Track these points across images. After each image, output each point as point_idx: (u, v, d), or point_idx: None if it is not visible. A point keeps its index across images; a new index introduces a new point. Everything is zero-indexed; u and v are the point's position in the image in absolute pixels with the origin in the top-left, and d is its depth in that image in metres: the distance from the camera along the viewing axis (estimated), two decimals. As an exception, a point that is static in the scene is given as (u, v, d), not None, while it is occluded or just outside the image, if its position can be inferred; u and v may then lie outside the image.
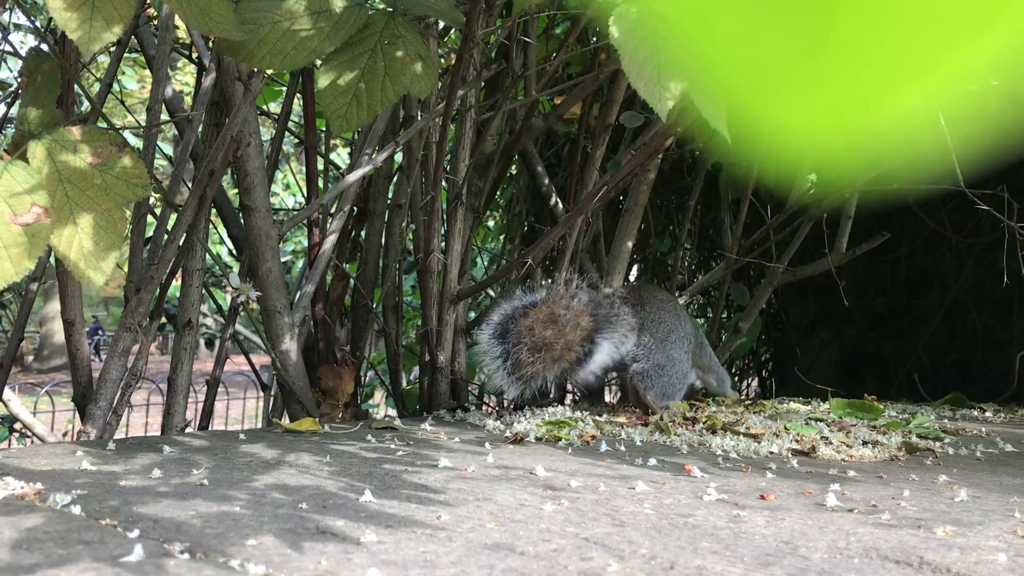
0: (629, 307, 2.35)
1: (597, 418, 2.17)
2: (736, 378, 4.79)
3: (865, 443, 1.97)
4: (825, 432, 2.09)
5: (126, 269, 2.01)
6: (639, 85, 1.42)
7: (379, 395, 5.07)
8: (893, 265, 4.25)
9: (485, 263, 4.85)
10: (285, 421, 2.13)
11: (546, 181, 2.99)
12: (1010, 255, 3.01)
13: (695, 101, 1.47)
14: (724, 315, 4.32)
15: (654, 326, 2.41)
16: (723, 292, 3.55)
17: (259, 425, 4.70)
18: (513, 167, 3.97)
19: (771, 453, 1.81)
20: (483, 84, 2.69)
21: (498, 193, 4.41)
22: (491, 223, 5.31)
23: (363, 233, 2.61)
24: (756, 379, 5.07)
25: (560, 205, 2.90)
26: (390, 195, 2.68)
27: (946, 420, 2.71)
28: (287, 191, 11.31)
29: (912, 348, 4.24)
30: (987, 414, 3.02)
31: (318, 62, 1.65)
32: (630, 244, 2.82)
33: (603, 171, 2.68)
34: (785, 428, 2.11)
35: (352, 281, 2.54)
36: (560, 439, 1.87)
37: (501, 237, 4.54)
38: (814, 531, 1.10)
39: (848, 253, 3.07)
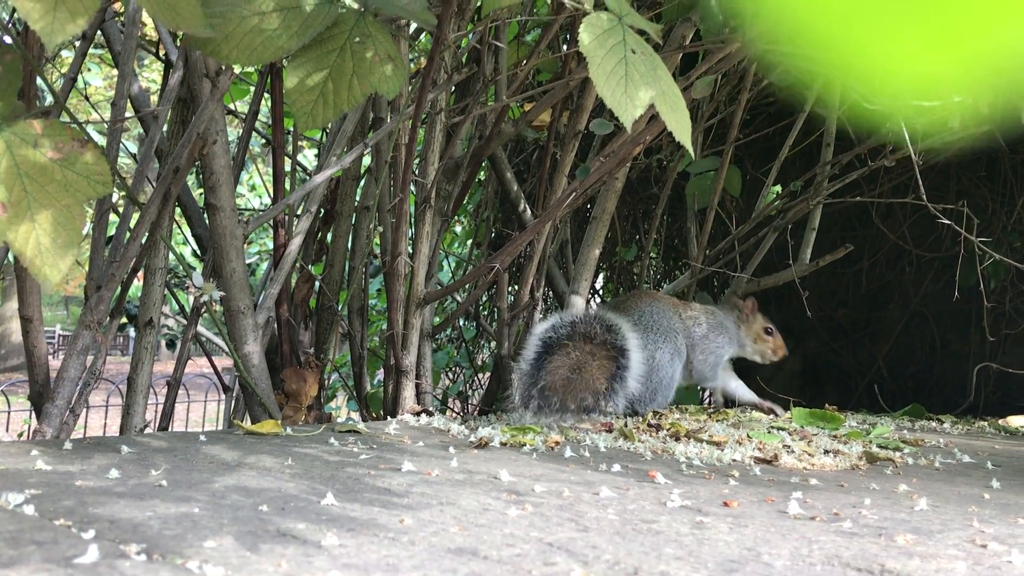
0: (629, 326, 2.44)
1: (563, 424, 2.17)
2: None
3: (826, 452, 1.99)
4: (787, 441, 2.11)
5: (87, 267, 1.97)
6: (606, 93, 1.42)
7: (341, 398, 5.04)
8: (855, 277, 4.30)
9: (452, 268, 4.84)
10: (247, 423, 2.10)
11: (515, 187, 2.99)
12: (970, 269, 3.06)
13: (660, 113, 1.48)
14: (689, 324, 4.33)
15: (643, 334, 2.59)
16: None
17: (221, 428, 4.65)
18: (482, 172, 3.97)
19: (734, 461, 1.82)
20: (454, 88, 2.68)
21: (466, 198, 4.41)
22: (459, 228, 5.30)
23: (330, 235, 2.59)
24: (719, 388, 5.10)
25: (528, 211, 2.90)
26: (358, 197, 2.67)
27: (905, 431, 2.75)
28: (253, 192, 11.21)
29: (872, 359, 4.29)
30: (945, 425, 3.06)
31: (286, 60, 1.63)
32: (597, 251, 2.82)
33: (572, 178, 2.68)
34: (748, 436, 2.12)
35: (317, 283, 2.52)
36: (525, 444, 1.87)
37: (468, 242, 4.53)
38: (777, 538, 1.10)
39: (812, 264, 3.10)
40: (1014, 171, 3.92)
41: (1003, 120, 2.93)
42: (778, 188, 3.43)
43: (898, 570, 0.96)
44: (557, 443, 1.88)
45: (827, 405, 3.14)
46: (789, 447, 2.00)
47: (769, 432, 2.30)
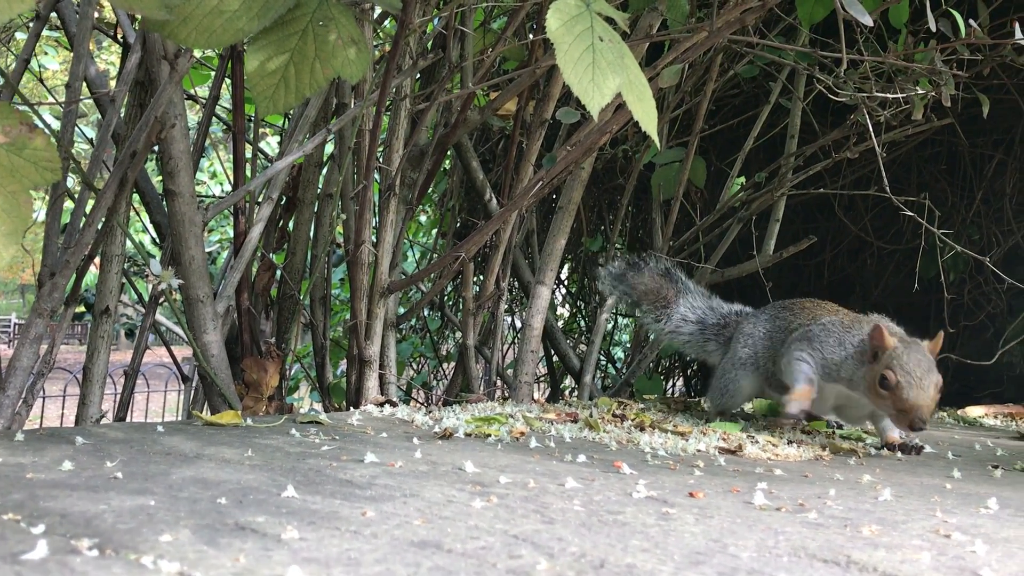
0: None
1: (527, 414, 2.15)
2: (663, 377, 4.84)
3: (790, 443, 2.00)
4: (751, 431, 2.12)
5: (40, 255, 1.92)
6: (573, 81, 1.41)
7: (304, 388, 4.99)
8: (817, 269, 4.34)
9: (417, 257, 4.81)
10: (206, 414, 2.07)
11: (480, 176, 2.97)
12: (930, 261, 3.09)
13: (627, 102, 1.47)
14: (653, 314, 4.34)
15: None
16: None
17: (180, 419, 4.58)
18: (448, 161, 3.94)
19: (699, 451, 1.82)
20: (419, 74, 2.65)
21: (432, 187, 4.38)
22: (424, 217, 5.27)
23: (292, 223, 2.55)
24: (682, 378, 5.13)
25: (494, 200, 2.88)
26: (321, 184, 2.63)
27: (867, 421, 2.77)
28: (214, 179, 11.06)
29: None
30: (905, 415, 3.09)
31: (247, 43, 1.59)
32: (563, 242, 2.81)
33: (538, 167, 2.67)
34: (711, 427, 2.12)
35: (279, 271, 2.48)
36: (490, 435, 1.85)
37: (434, 231, 4.50)
38: (743, 529, 1.09)
39: (775, 256, 3.12)
40: (973, 165, 3.97)
41: (965, 113, 2.96)
42: (742, 179, 3.44)
43: (864, 561, 0.96)
44: (522, 434, 1.87)
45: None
46: (753, 437, 2.00)
47: (732, 422, 2.31)
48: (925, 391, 1.88)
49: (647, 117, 1.44)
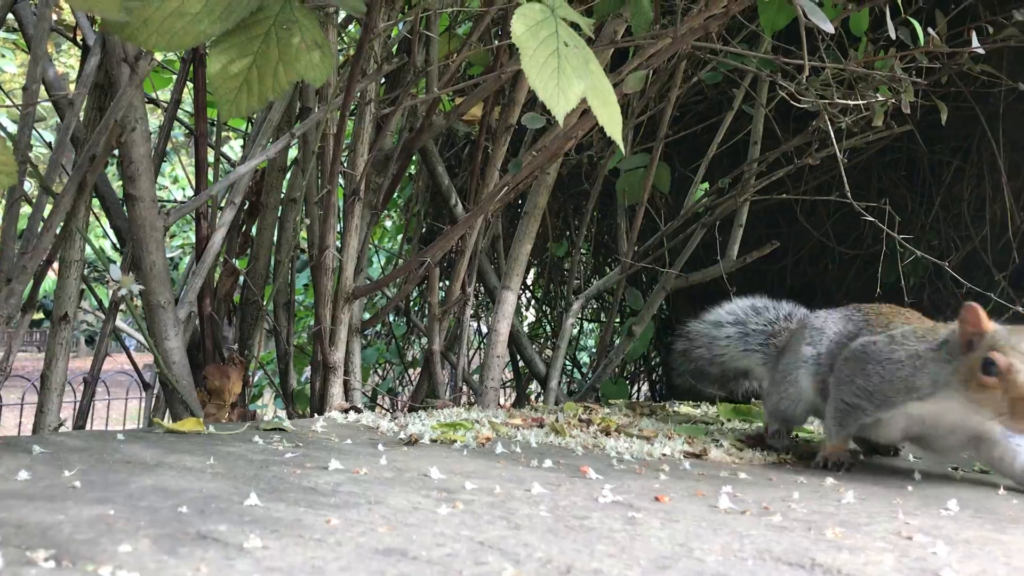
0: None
1: (493, 420, 2.15)
2: (628, 382, 4.86)
3: (754, 446, 2.01)
4: (715, 435, 2.13)
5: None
6: (538, 85, 1.40)
7: (268, 395, 4.94)
8: (780, 274, 4.38)
9: (381, 263, 4.79)
10: (168, 421, 2.04)
11: (446, 181, 2.96)
12: (891, 266, 3.13)
13: (592, 107, 1.47)
14: (618, 319, 4.38)
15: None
16: (617, 297, 3.59)
17: (141, 426, 4.51)
18: (413, 166, 3.92)
19: (664, 455, 1.82)
20: (384, 78, 2.64)
21: (397, 193, 4.36)
22: (389, 223, 5.25)
23: (255, 227, 2.52)
24: (647, 383, 5.16)
25: (460, 205, 2.87)
26: (284, 189, 2.61)
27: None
28: (176, 184, 10.93)
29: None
30: (866, 418, 3.13)
31: (209, 46, 1.58)
32: (528, 247, 2.81)
33: (504, 172, 2.67)
34: (676, 431, 2.13)
35: (242, 277, 2.45)
36: (455, 441, 1.84)
37: (399, 236, 4.48)
38: (708, 533, 1.10)
39: (738, 260, 3.14)
40: (932, 171, 4.03)
41: (923, 120, 3.01)
42: (706, 185, 3.46)
43: (828, 563, 0.97)
44: (488, 439, 1.86)
45: (753, 400, 3.18)
46: (718, 441, 2.02)
47: (694, 425, 2.32)
48: None
49: (612, 122, 1.45)
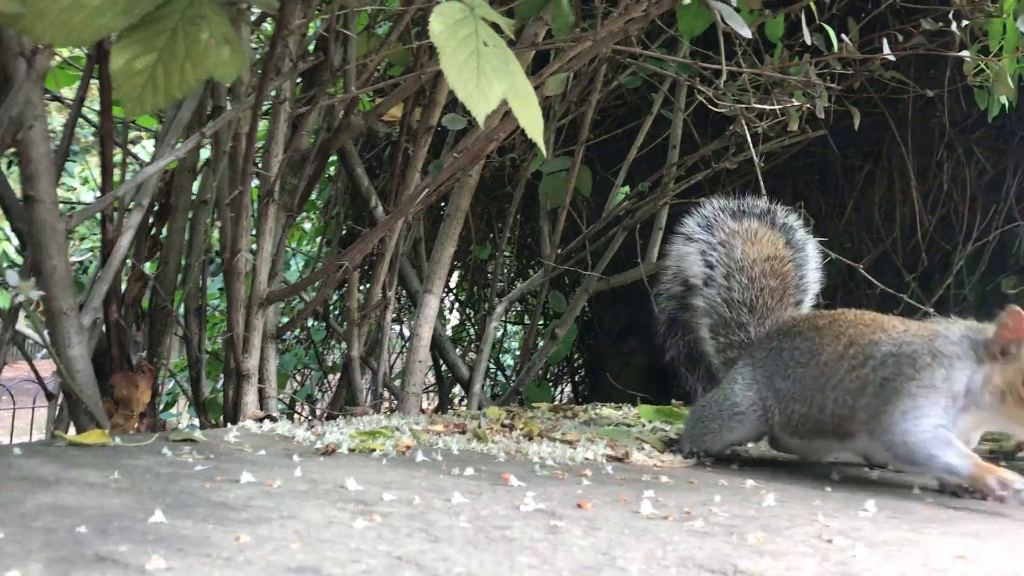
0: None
1: (414, 427, 2.11)
2: (551, 384, 4.86)
3: (675, 449, 2.01)
4: (637, 437, 2.13)
5: None
6: (457, 85, 1.38)
7: (183, 404, 4.80)
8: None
9: (300, 267, 4.69)
10: (71, 433, 1.94)
11: (366, 182, 2.91)
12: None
13: (513, 108, 1.45)
14: (541, 322, 4.37)
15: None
16: (541, 299, 3.58)
17: (45, 438, 4.32)
18: (332, 167, 3.85)
19: (587, 459, 1.81)
20: (299, 77, 2.57)
21: (315, 195, 4.28)
22: (308, 225, 5.15)
23: (164, 230, 2.43)
24: (570, 385, 5.17)
25: (380, 207, 2.82)
26: (195, 190, 2.52)
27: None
28: (86, 186, 10.55)
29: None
30: (784, 418, 3.18)
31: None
32: (451, 249, 2.78)
33: (425, 174, 2.63)
34: (599, 434, 2.13)
35: (151, 282, 2.36)
36: (374, 450, 1.80)
37: (318, 239, 4.40)
38: (631, 540, 1.08)
39: (658, 263, 3.16)
40: (845, 175, 4.13)
41: (836, 125, 3.08)
42: (627, 188, 3.48)
43: (751, 570, 0.96)
44: (408, 447, 1.82)
45: (673, 401, 3.21)
46: (640, 444, 2.01)
47: (615, 427, 2.32)
48: None
49: (533, 124, 1.43)
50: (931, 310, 3.03)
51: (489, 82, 1.37)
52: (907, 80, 2.95)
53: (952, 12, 2.27)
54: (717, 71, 2.36)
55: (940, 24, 2.32)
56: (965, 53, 2.30)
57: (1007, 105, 2.48)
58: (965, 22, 2.28)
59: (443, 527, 1.13)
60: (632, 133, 3.35)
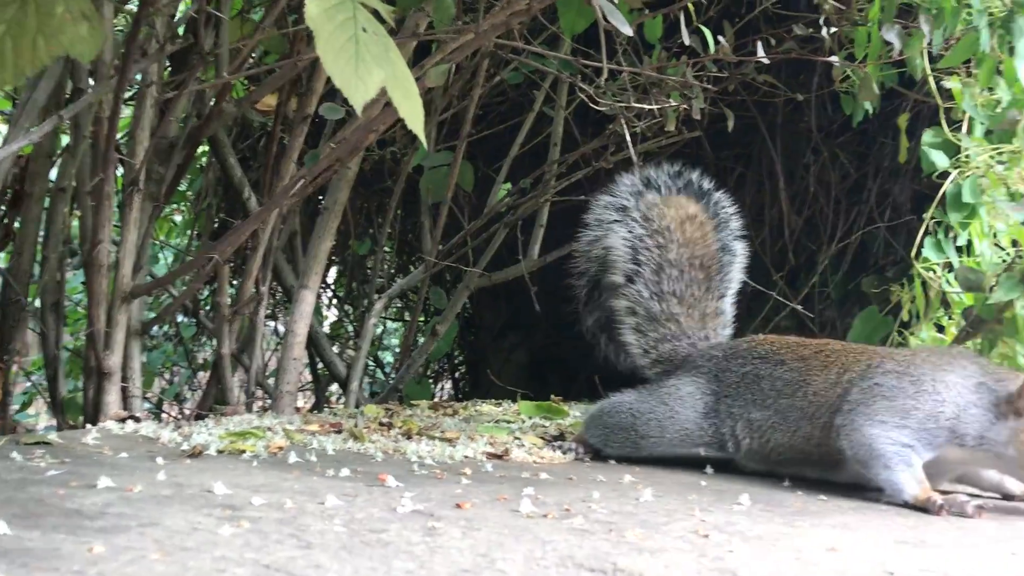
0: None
1: (287, 426, 2.04)
2: (432, 381, 4.82)
3: (555, 445, 2.01)
4: (517, 434, 2.12)
5: None
6: (334, 71, 1.32)
7: (42, 404, 4.53)
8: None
9: (169, 260, 4.50)
10: (-94, 438, 1.79)
11: (239, 173, 2.80)
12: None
13: (393, 98, 1.41)
14: (422, 319, 4.33)
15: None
16: (421, 296, 3.53)
17: None
18: (204, 158, 3.70)
19: (466, 457, 1.79)
20: (168, 60, 2.45)
21: (186, 186, 4.10)
22: (178, 217, 4.95)
23: (18, 220, 2.28)
24: (451, 382, 5.14)
25: (254, 199, 2.72)
26: (53, 177, 2.37)
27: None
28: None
29: (592, 351, 4.48)
30: (660, 413, 3.24)
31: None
32: (328, 244, 2.70)
33: (301, 165, 2.55)
34: (478, 432, 2.10)
35: (2, 275, 2.20)
36: (245, 451, 1.72)
37: (189, 233, 4.23)
38: (510, 541, 1.06)
39: (539, 260, 3.17)
40: (718, 176, 4.22)
41: (711, 127, 3.15)
42: (508, 185, 3.47)
43: (630, 568, 0.95)
44: (281, 448, 1.75)
45: (552, 397, 3.22)
46: (520, 441, 2.00)
47: (495, 424, 2.31)
48: None
49: (413, 114, 1.39)
50: (799, 307, 3.14)
51: (368, 69, 1.32)
52: (778, 84, 3.04)
53: (823, 18, 2.35)
54: (598, 70, 2.38)
55: (811, 30, 2.40)
56: (834, 59, 2.39)
57: (870, 111, 2.58)
58: (833, 29, 2.36)
59: (316, 532, 1.08)
60: (514, 130, 3.34)
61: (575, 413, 2.79)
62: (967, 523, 1.35)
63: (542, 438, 2.08)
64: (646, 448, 1.85)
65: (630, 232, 2.03)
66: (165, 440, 1.81)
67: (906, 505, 1.51)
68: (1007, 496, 1.69)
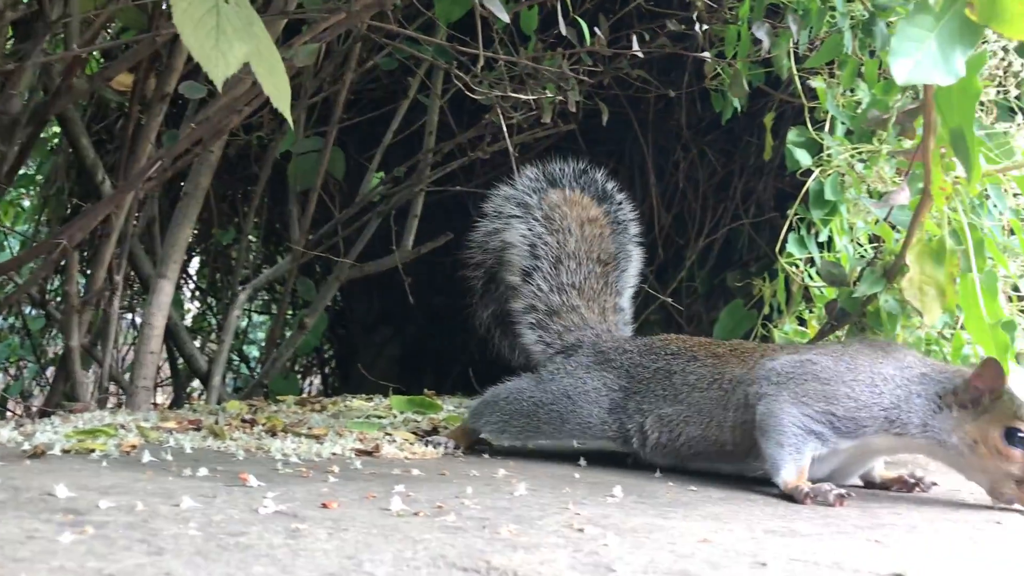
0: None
1: (142, 424, 1.91)
2: (300, 376, 4.69)
3: (427, 440, 1.96)
4: (388, 430, 2.06)
5: None
6: (193, 45, 1.24)
7: None
8: (453, 265, 4.43)
9: (16, 248, 4.22)
10: None
11: (92, 154, 2.63)
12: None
13: (257, 75, 1.33)
14: (290, 311, 4.20)
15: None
16: (289, 287, 3.42)
17: None
18: (55, 138, 3.48)
19: (334, 455, 1.72)
20: (11, 30, 2.27)
21: (35, 168, 3.85)
22: (26, 202, 4.65)
23: None
24: (320, 376, 5.02)
25: (108, 182, 2.56)
26: None
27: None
28: None
29: (466, 344, 4.46)
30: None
31: None
32: (189, 231, 2.57)
33: (160, 147, 2.41)
34: (347, 428, 2.03)
35: None
36: (94, 450, 1.60)
37: (39, 218, 3.97)
38: (379, 541, 1.01)
39: (413, 251, 3.12)
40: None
41: (585, 121, 3.16)
42: (381, 174, 3.40)
43: (504, 566, 0.92)
44: (134, 447, 1.64)
45: (426, 391, 3.17)
46: (391, 436, 1.94)
47: (366, 419, 2.24)
48: None
49: (279, 92, 1.32)
50: (669, 299, 3.19)
51: (229, 43, 1.24)
52: (651, 80, 3.08)
53: (695, 15, 2.38)
54: (474, 58, 2.34)
55: (683, 27, 2.43)
56: (706, 55, 2.42)
57: (739, 109, 2.64)
58: (705, 27, 2.40)
59: (168, 536, 1.00)
60: (388, 117, 3.28)
61: (449, 407, 2.76)
62: (831, 512, 1.38)
63: (414, 433, 2.03)
64: (544, 436, 1.83)
65: (530, 230, 2.00)
66: (4, 439, 1.66)
67: (776, 488, 1.54)
68: (872, 484, 1.73)
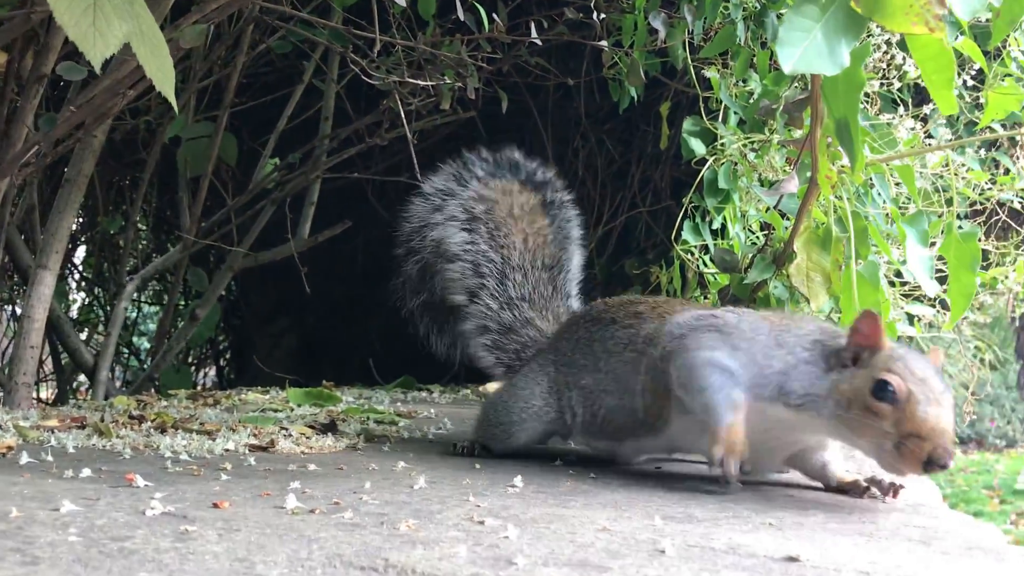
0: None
1: (20, 423, 1.82)
2: (193, 369, 4.55)
3: (325, 433, 1.93)
4: (284, 424, 2.01)
5: None
6: (68, 23, 1.17)
7: None
8: (352, 254, 4.37)
9: None
10: None
11: (-40, 138, 2.47)
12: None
13: (138, 55, 1.27)
14: (181, 302, 4.07)
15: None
16: (180, 277, 3.31)
17: None
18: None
19: (227, 451, 1.66)
20: None
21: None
22: None
23: None
24: (214, 369, 4.88)
25: (-21, 168, 2.41)
26: None
27: (399, 403, 2.82)
28: None
29: (366, 334, 4.41)
30: (434, 395, 3.23)
31: None
32: (71, 219, 2.45)
33: (37, 130, 2.28)
34: (241, 422, 1.98)
35: None
36: (-36, 453, 1.51)
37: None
38: (273, 542, 0.98)
39: (310, 239, 3.06)
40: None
41: (485, 109, 3.15)
42: (276, 160, 3.32)
43: (402, 563, 0.90)
44: (11, 448, 1.56)
45: (324, 382, 3.12)
46: (286, 430, 1.90)
47: (262, 413, 2.19)
48: (947, 411, 1.30)
49: (162, 74, 1.26)
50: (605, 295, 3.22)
51: (108, 21, 1.18)
52: (550, 68, 3.08)
53: (593, 3, 2.39)
54: (371, 42, 2.30)
55: (581, 16, 2.44)
56: (604, 44, 2.44)
57: (635, 98, 2.67)
58: (603, 15, 2.41)
59: (46, 544, 0.95)
60: (282, 102, 3.20)
61: (348, 399, 2.71)
62: (728, 497, 1.40)
63: (311, 427, 1.98)
64: (514, 436, 1.73)
65: (472, 244, 1.92)
66: None
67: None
68: (828, 487, 1.54)
